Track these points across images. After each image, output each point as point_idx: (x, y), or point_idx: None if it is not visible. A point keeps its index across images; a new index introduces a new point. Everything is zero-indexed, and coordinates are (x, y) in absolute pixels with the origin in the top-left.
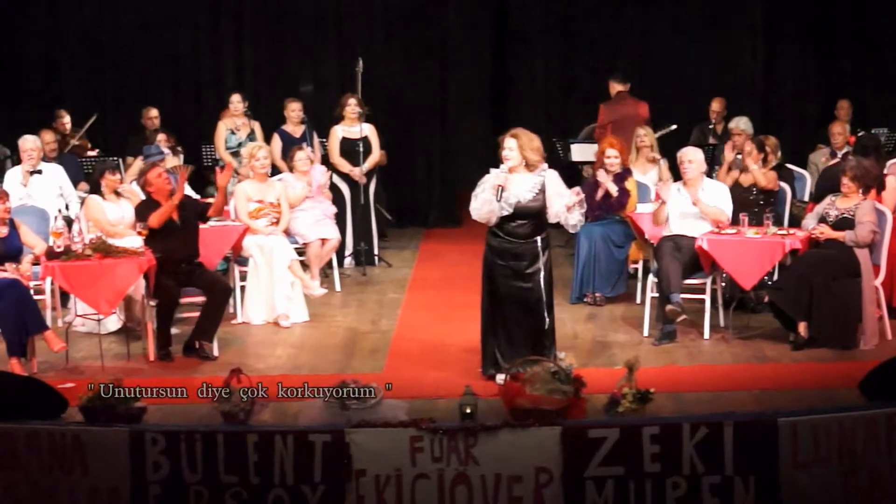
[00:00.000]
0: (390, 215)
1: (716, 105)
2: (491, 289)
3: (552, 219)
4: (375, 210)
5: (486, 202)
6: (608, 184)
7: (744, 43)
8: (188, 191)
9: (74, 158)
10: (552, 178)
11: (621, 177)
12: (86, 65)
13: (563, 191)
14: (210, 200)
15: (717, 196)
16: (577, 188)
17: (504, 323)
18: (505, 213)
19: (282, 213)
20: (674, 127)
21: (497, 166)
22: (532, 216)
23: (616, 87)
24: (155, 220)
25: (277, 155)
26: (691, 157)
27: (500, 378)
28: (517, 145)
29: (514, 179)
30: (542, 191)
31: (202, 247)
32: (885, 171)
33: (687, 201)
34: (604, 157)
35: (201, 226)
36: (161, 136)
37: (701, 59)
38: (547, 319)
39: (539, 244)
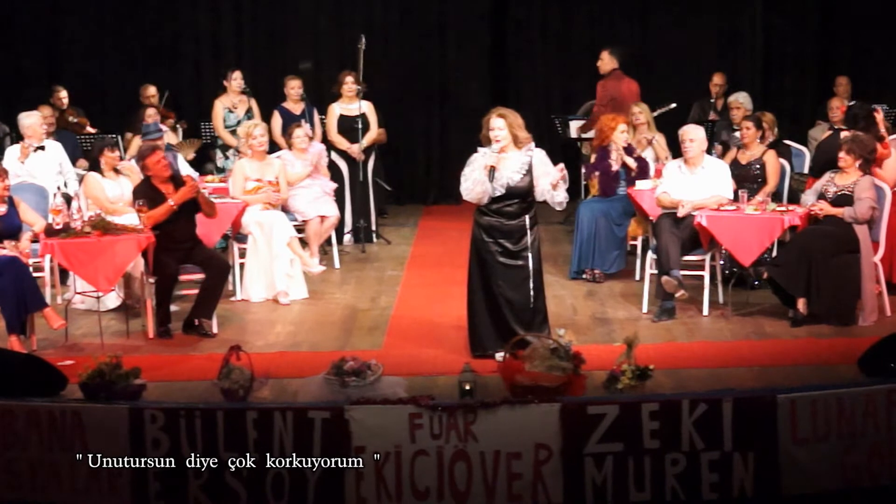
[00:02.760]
0: (389, 187)
1: (717, 79)
2: (480, 268)
3: (539, 197)
4: (374, 184)
5: (478, 183)
6: (626, 158)
7: (744, 18)
8: (189, 171)
9: (71, 135)
10: (539, 157)
11: (628, 152)
12: (84, 41)
13: (550, 169)
14: (209, 178)
15: (718, 174)
16: (561, 164)
17: (494, 302)
18: (498, 193)
19: (280, 192)
20: (673, 105)
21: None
22: (521, 196)
23: (612, 63)
24: (150, 222)
25: (277, 132)
26: (692, 135)
27: (500, 356)
28: (506, 124)
29: (503, 159)
30: (530, 170)
31: (201, 225)
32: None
33: (687, 178)
34: (615, 132)
35: None
36: (150, 111)
37: (701, 34)
38: (535, 296)
39: (527, 222)
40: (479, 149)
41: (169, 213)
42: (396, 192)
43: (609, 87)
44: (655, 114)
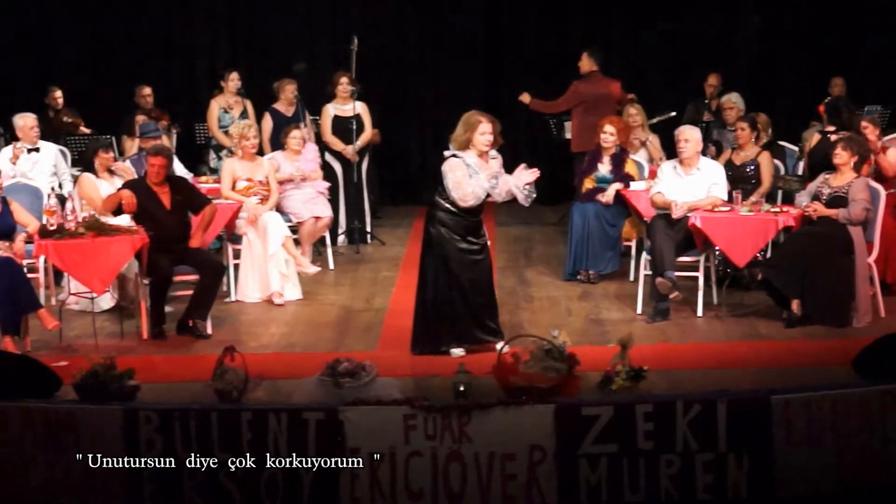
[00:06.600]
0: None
1: (712, 80)
2: (447, 267)
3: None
4: (368, 191)
5: (480, 192)
6: (608, 198)
7: (739, 17)
8: (183, 172)
9: (62, 138)
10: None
11: (619, 157)
12: (79, 42)
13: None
14: (203, 179)
15: (713, 176)
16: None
17: (461, 298)
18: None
19: (271, 192)
20: (673, 114)
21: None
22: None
23: (590, 65)
24: (103, 205)
25: (267, 135)
26: (688, 135)
27: (500, 345)
28: (494, 130)
29: (483, 163)
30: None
31: (196, 226)
32: (883, 145)
33: (682, 180)
34: (601, 134)
35: None
36: (140, 117)
37: (696, 34)
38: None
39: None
40: (458, 153)
41: (114, 203)
42: (390, 197)
43: (581, 90)
44: (653, 121)
